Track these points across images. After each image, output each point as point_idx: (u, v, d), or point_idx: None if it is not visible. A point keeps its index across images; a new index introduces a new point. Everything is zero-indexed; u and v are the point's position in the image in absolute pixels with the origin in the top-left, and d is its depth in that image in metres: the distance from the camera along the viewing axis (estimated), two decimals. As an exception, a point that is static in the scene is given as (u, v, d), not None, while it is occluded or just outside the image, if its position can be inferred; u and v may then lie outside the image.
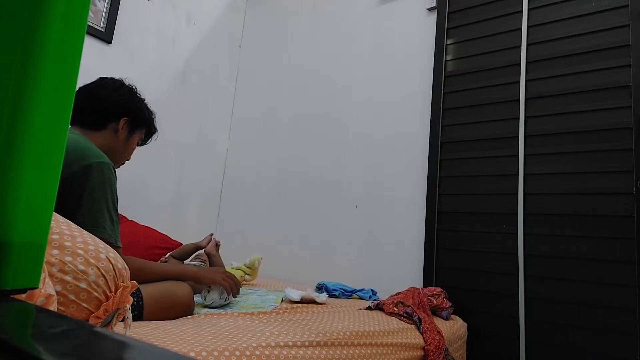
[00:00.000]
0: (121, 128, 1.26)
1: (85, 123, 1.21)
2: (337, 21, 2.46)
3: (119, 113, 1.26)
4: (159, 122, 1.40)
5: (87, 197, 1.00)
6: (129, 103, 1.28)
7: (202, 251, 1.68)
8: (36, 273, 0.33)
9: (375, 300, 1.60)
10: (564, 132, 1.63)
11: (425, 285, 1.82)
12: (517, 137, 1.72)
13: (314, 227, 2.27)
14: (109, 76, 1.35)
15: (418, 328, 1.34)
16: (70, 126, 1.18)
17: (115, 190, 1.07)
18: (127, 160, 1.35)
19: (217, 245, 1.70)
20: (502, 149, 1.75)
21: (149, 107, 1.37)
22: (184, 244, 2.10)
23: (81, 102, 1.17)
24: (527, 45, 1.76)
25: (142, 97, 1.35)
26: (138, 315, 1.02)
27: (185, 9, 2.56)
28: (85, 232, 0.65)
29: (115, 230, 1.03)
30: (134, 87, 1.34)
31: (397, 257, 1.97)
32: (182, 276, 1.22)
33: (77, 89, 1.33)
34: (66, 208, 0.97)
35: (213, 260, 1.63)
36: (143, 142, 1.40)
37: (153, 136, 1.41)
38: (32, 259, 0.32)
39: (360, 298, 1.77)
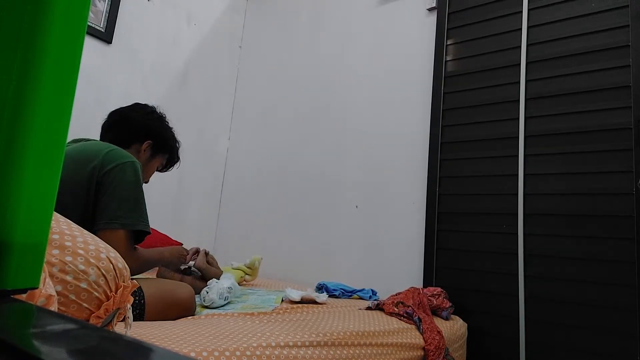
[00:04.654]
0: (143, 150, 1.34)
1: (113, 141, 1.29)
2: (337, 21, 2.46)
3: (144, 135, 1.34)
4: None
5: (125, 192, 1.11)
6: (155, 128, 1.37)
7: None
8: (36, 273, 0.33)
9: (375, 300, 1.60)
10: (564, 132, 1.63)
11: (425, 285, 1.82)
12: (517, 137, 1.72)
13: (314, 227, 2.27)
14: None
15: (418, 328, 1.34)
16: (101, 141, 1.30)
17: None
18: (146, 182, 1.41)
19: (206, 254, 1.56)
20: (502, 149, 1.75)
21: (175, 136, 1.45)
22: (183, 244, 2.11)
23: (112, 121, 1.33)
24: (527, 45, 1.76)
25: (171, 125, 1.44)
26: (139, 314, 1.02)
27: (186, 10, 2.56)
28: (85, 231, 0.65)
29: (147, 219, 1.17)
30: (164, 115, 1.43)
31: (397, 257, 1.97)
32: (160, 260, 1.33)
33: (112, 110, 1.33)
34: (101, 201, 1.10)
35: (206, 273, 1.50)
36: (164, 168, 1.47)
37: (175, 165, 1.49)
38: (32, 259, 0.32)
39: (360, 298, 1.77)
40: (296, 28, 2.65)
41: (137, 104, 1.41)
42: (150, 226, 2.10)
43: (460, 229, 1.80)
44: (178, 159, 1.48)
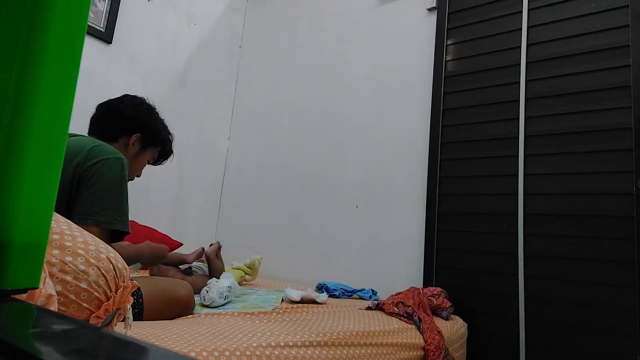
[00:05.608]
0: (132, 143, 1.29)
1: (100, 134, 1.25)
2: (337, 21, 2.46)
3: (132, 128, 1.29)
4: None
5: (105, 189, 1.07)
6: (144, 120, 1.31)
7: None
8: (36, 273, 0.33)
9: (375, 300, 1.60)
10: (564, 132, 1.63)
11: (425, 285, 1.82)
12: (517, 137, 1.72)
13: (314, 227, 2.27)
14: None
15: (418, 328, 1.34)
16: (88, 136, 1.24)
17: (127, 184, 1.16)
18: (137, 176, 1.38)
19: (219, 247, 1.67)
20: (502, 149, 1.75)
21: (167, 128, 1.40)
22: (183, 244, 2.11)
23: (100, 114, 1.27)
24: (527, 45, 1.76)
25: (162, 117, 1.38)
26: (138, 313, 1.02)
27: (186, 10, 2.56)
28: (85, 232, 0.65)
29: (127, 219, 1.11)
30: (154, 107, 1.37)
31: (397, 257, 1.97)
32: (138, 259, 1.31)
33: (100, 102, 1.24)
34: (80, 195, 1.06)
35: (212, 264, 1.60)
36: (156, 161, 1.42)
37: (168, 158, 1.44)
38: (32, 259, 0.32)
39: (361, 298, 1.77)
40: (296, 28, 2.65)
41: (126, 96, 1.35)
42: (151, 226, 2.11)
43: (460, 229, 1.80)
44: (171, 151, 1.43)
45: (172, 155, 1.45)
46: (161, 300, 1.08)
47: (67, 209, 1.05)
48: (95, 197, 1.05)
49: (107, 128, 1.26)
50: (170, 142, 1.41)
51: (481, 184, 1.78)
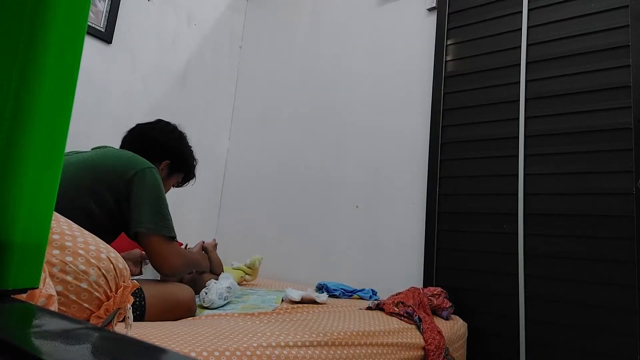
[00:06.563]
0: (161, 169, 1.33)
1: None
2: (337, 22, 2.46)
3: (163, 155, 1.33)
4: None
5: (147, 198, 1.13)
6: (174, 148, 1.35)
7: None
8: (37, 273, 0.33)
9: (375, 300, 1.60)
10: (564, 132, 1.63)
11: (425, 285, 1.82)
12: (517, 137, 1.72)
13: (314, 227, 2.27)
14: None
15: (418, 328, 1.34)
16: (108, 147, 1.29)
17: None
18: None
19: (215, 244, 1.70)
20: (502, 149, 1.75)
21: (194, 154, 1.44)
22: (183, 244, 2.11)
23: (133, 137, 1.32)
24: (527, 45, 1.76)
25: (190, 144, 1.43)
26: (140, 316, 1.02)
27: (186, 10, 2.56)
28: (85, 231, 0.65)
29: (171, 224, 1.19)
30: (185, 134, 1.41)
31: (397, 257, 1.96)
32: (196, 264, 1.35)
33: (134, 126, 1.32)
34: (122, 209, 1.12)
35: (211, 256, 1.62)
36: (179, 185, 1.47)
37: (190, 181, 1.48)
38: (32, 259, 0.32)
39: (361, 298, 1.77)
40: (296, 28, 2.65)
41: (159, 122, 1.39)
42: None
43: (460, 229, 1.80)
44: (194, 176, 1.47)
45: (194, 179, 1.48)
46: (164, 303, 1.09)
47: (110, 218, 1.10)
48: (148, 208, 1.12)
49: (138, 153, 1.29)
50: (194, 167, 1.45)
51: (481, 184, 1.78)
